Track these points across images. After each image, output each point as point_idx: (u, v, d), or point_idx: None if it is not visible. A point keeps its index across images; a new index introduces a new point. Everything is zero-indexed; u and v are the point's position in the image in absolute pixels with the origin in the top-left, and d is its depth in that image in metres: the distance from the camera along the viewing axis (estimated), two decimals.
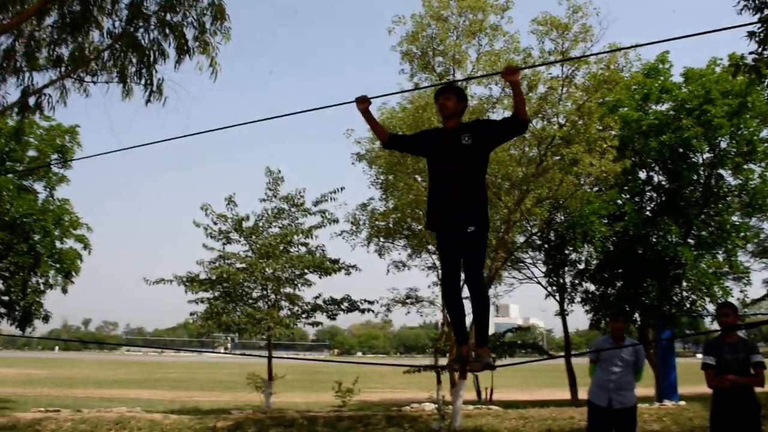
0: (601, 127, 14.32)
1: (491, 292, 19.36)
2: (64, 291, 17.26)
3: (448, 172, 4.22)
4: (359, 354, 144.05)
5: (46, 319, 17.21)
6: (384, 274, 19.12)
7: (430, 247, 17.46)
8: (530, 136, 14.28)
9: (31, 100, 9.83)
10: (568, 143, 13.62)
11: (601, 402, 6.71)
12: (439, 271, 17.32)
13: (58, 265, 16.79)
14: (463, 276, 4.30)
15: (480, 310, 4.25)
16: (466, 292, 4.39)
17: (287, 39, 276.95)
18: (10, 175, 15.88)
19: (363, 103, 4.41)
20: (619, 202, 19.73)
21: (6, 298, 16.47)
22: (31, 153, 17.01)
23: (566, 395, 22.37)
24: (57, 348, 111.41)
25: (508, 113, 14.52)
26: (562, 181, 13.91)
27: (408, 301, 18.04)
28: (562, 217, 19.94)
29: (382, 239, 17.21)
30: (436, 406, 14.82)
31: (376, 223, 16.49)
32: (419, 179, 15.21)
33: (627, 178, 18.59)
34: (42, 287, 16.75)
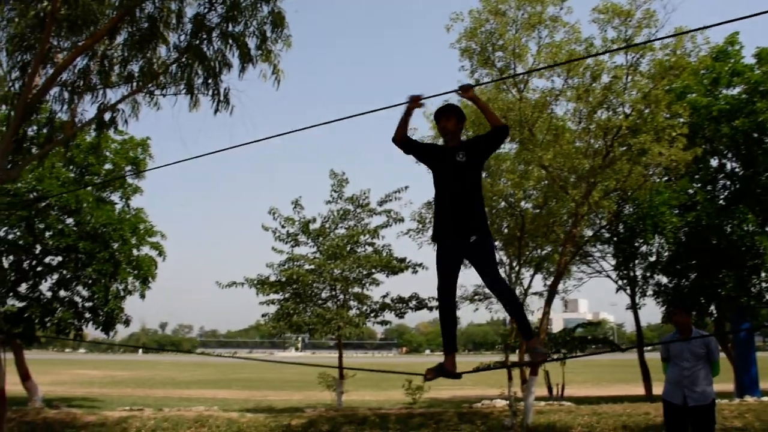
0: (669, 115, 13.89)
1: (560, 287, 19.06)
2: (142, 296, 17.93)
3: (448, 188, 4.57)
4: (427, 352, 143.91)
5: (127, 323, 17.98)
6: None
7: (496, 242, 17.37)
8: (595, 127, 14.00)
9: (107, 116, 10.31)
10: (635, 133, 13.28)
11: (675, 400, 6.50)
12: (506, 266, 17.23)
13: (135, 272, 17.47)
14: (485, 283, 4.58)
15: (515, 309, 4.53)
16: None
17: (345, 40, 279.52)
18: (89, 188, 16.65)
19: (416, 101, 4.69)
20: (691, 191, 19.09)
21: (90, 304, 17.29)
22: (107, 166, 17.78)
23: (640, 391, 21.82)
24: (141, 351, 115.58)
25: (572, 105, 14.33)
26: (630, 172, 13.56)
27: (476, 297, 17.99)
28: (631, 209, 19.45)
29: None
30: (508, 402, 14.72)
31: None
32: (484, 175, 15.15)
33: (698, 167, 17.96)
34: (122, 293, 17.47)
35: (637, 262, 21.84)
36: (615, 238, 21.36)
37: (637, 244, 20.95)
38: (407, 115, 4.73)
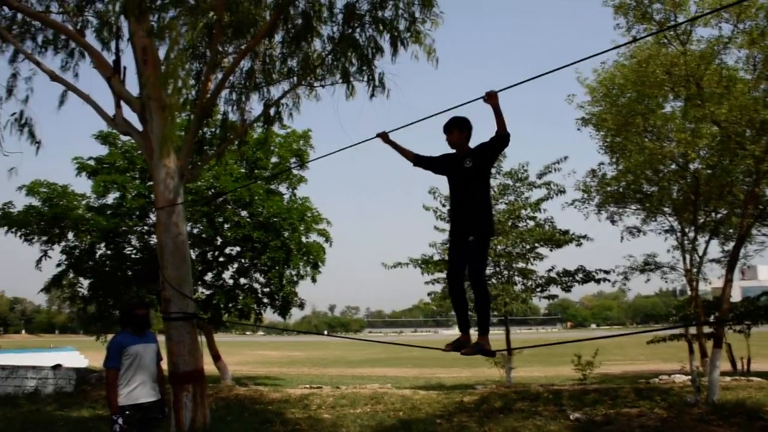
0: None
1: (741, 252, 17.50)
2: (314, 280, 18.86)
3: (456, 192, 5.11)
4: (593, 326, 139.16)
5: (302, 306, 19.08)
6: (611, 242, 18.37)
7: (665, 208, 16.33)
8: None
9: (272, 111, 10.91)
10: None
11: None
12: (678, 234, 16.18)
13: (306, 258, 18.40)
14: (468, 276, 5.02)
15: (480, 305, 4.94)
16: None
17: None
18: (259, 182, 17.75)
19: (382, 137, 5.44)
20: None
21: (267, 289, 18.52)
22: (274, 159, 18.83)
23: None
24: (326, 332, 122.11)
25: (744, 52, 13.02)
26: None
27: (647, 267, 17.06)
28: None
29: (613, 205, 16.45)
30: (690, 377, 13.84)
31: (607, 188, 15.78)
32: (648, 139, 14.26)
33: None
34: (295, 278, 18.50)
35: None
36: None
37: None
38: (393, 146, 5.45)
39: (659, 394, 13.43)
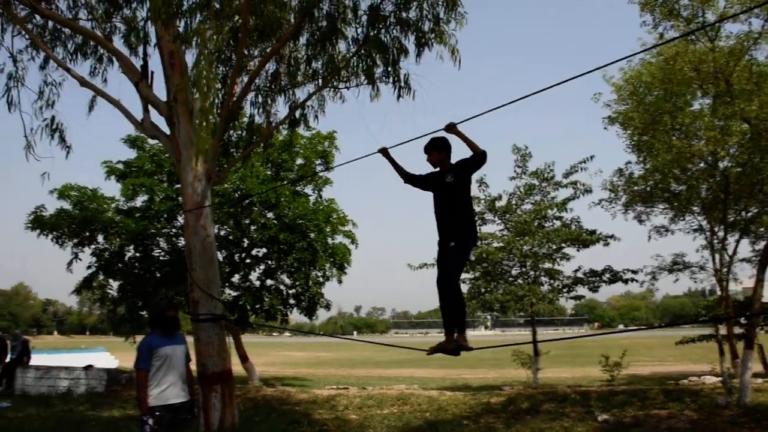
0: None
1: None
2: (339, 281, 18.90)
3: (440, 204, 5.57)
4: (621, 327, 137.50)
5: (327, 307, 19.13)
6: (638, 242, 18.10)
7: (694, 207, 16.08)
8: None
9: (297, 113, 10.97)
10: None
11: None
12: (707, 233, 15.91)
13: (332, 259, 18.45)
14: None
15: (455, 306, 5.36)
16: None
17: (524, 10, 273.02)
18: (285, 183, 17.83)
19: (383, 152, 6.03)
20: None
21: (293, 291, 18.61)
22: (299, 161, 18.90)
23: None
24: (355, 332, 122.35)
25: None
26: None
27: (675, 267, 16.79)
28: None
29: (640, 204, 16.23)
30: (721, 379, 13.61)
31: (634, 187, 15.57)
32: (675, 137, 14.06)
33: None
34: (321, 279, 18.56)
35: None
36: None
37: None
38: (390, 162, 6.03)
39: (689, 395, 13.24)
